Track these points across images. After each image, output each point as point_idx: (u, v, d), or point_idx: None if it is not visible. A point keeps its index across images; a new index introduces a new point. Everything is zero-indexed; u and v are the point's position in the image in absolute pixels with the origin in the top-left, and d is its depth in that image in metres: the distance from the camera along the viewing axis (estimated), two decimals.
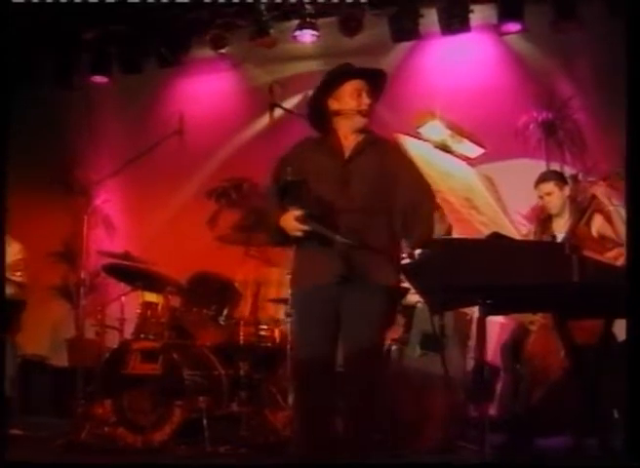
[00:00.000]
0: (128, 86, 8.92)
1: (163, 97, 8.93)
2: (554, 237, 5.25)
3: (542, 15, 7.59)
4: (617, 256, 4.46)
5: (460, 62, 8.00)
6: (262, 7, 8.06)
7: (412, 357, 5.69)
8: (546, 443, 5.11)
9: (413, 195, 3.85)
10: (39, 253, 8.01)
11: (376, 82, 4.03)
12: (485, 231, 3.23)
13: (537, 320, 5.19)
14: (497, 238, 3.17)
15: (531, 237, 5.38)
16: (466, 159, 3.73)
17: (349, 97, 3.95)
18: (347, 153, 3.96)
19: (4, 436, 5.13)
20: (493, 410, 5.60)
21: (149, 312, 5.97)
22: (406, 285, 4.33)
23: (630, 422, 2.82)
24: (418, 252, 3.44)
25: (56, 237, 8.84)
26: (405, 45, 8.22)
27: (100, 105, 9.18)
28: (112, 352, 5.85)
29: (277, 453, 5.06)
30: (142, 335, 5.87)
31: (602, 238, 5.00)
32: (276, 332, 6.11)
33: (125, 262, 6.22)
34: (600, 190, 4.51)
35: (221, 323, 5.98)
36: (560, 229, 5.25)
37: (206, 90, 8.82)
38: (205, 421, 5.32)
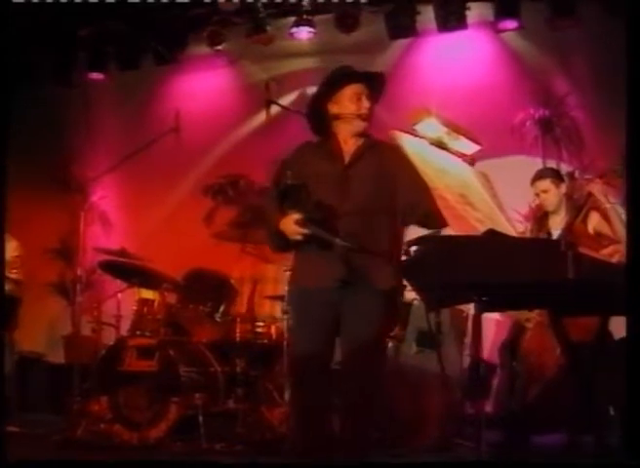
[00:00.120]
0: (124, 83, 8.92)
1: (159, 93, 8.92)
2: (550, 234, 5.26)
3: (539, 12, 7.59)
4: (612, 253, 4.46)
5: (457, 60, 8.00)
6: (259, 4, 8.05)
7: (408, 354, 5.70)
8: (542, 440, 5.11)
9: (411, 196, 3.85)
10: (35, 250, 8.02)
11: (375, 85, 4.02)
12: (481, 228, 3.22)
13: (533, 317, 5.19)
14: (492, 235, 3.17)
15: (527, 234, 5.38)
16: (463, 156, 3.72)
17: (349, 101, 3.94)
18: (347, 158, 3.96)
19: (3, 435, 5.12)
20: (489, 408, 5.60)
21: (145, 309, 5.97)
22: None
23: (629, 420, 2.81)
24: (413, 249, 3.44)
25: (52, 234, 8.83)
26: (401, 42, 8.21)
27: (96, 102, 9.17)
28: (108, 349, 5.86)
29: (273, 450, 5.05)
30: (139, 332, 5.87)
31: (598, 235, 5.00)
32: (272, 329, 6.11)
33: (121, 259, 6.22)
34: (596, 188, 4.51)
35: (218, 319, 5.97)
36: (556, 226, 5.26)
37: (202, 87, 8.81)
38: (201, 418, 5.33)
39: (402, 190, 3.85)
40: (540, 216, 5.45)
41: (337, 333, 3.91)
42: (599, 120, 7.35)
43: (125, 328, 6.09)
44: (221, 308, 5.99)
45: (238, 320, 5.94)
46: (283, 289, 5.66)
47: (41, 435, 5.77)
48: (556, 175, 5.45)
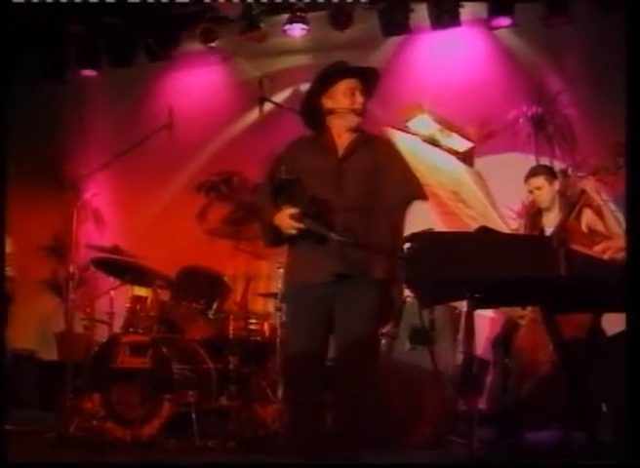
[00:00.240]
0: (117, 80, 8.90)
1: (152, 90, 8.92)
2: (544, 231, 5.26)
3: (533, 9, 7.60)
4: (604, 250, 4.46)
5: (451, 57, 8.01)
6: (253, 1, 8.05)
7: (401, 351, 5.70)
8: (535, 436, 5.12)
9: (403, 190, 3.85)
10: (28, 248, 7.99)
11: (369, 81, 4.04)
12: (473, 225, 3.23)
13: (526, 314, 5.19)
14: (485, 232, 3.17)
15: (521, 231, 5.39)
16: (455, 153, 3.73)
17: (343, 96, 3.96)
18: (341, 152, 3.97)
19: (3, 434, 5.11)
20: (482, 404, 5.60)
21: (138, 306, 5.96)
22: None
23: (629, 420, 2.81)
24: (406, 246, 3.44)
25: (45, 231, 8.82)
26: (395, 39, 8.21)
27: (89, 99, 9.17)
28: (101, 346, 5.85)
29: (266, 447, 5.05)
30: (132, 329, 5.86)
31: (591, 232, 5.01)
32: (266, 326, 6.10)
33: (114, 256, 6.21)
34: (589, 185, 4.51)
35: (211, 317, 5.97)
36: (550, 224, 5.26)
37: (196, 83, 8.81)
38: (194, 415, 5.31)
39: (395, 184, 3.86)
40: (534, 214, 5.46)
41: (331, 330, 3.92)
42: (592, 117, 7.37)
43: (118, 325, 6.08)
44: (215, 305, 5.98)
45: (231, 317, 5.93)
46: (276, 286, 5.67)
47: (34, 432, 5.75)
48: (550, 173, 5.45)
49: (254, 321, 6.09)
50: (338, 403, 3.92)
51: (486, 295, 3.38)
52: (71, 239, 6.27)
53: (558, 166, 6.85)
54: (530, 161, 7.06)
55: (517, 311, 5.26)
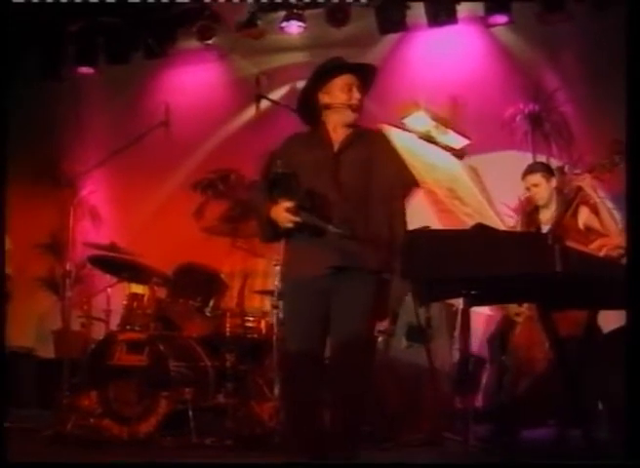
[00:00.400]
0: (114, 77, 8.89)
1: (149, 88, 8.91)
2: (540, 228, 5.27)
3: (529, 7, 7.60)
4: (600, 247, 4.47)
5: (447, 54, 8.00)
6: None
7: (398, 349, 5.71)
8: (531, 434, 5.12)
9: (399, 181, 3.85)
10: (25, 245, 7.99)
11: (366, 77, 4.04)
12: (469, 222, 3.23)
13: (522, 312, 5.20)
14: (481, 229, 3.17)
15: (517, 228, 5.39)
16: (451, 150, 3.73)
17: (340, 92, 3.96)
18: (336, 146, 3.97)
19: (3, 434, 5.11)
20: (478, 402, 5.61)
21: (135, 303, 5.96)
22: None
23: (629, 419, 2.81)
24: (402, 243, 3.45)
25: (42, 228, 8.80)
26: (392, 37, 8.21)
27: (86, 96, 9.16)
28: (98, 343, 5.85)
29: (263, 445, 5.05)
30: (128, 327, 5.86)
31: (588, 230, 5.02)
32: (262, 324, 6.11)
33: (111, 254, 6.21)
34: (586, 182, 4.52)
35: (208, 314, 5.98)
36: (547, 221, 5.26)
37: (192, 81, 8.80)
38: (191, 413, 5.32)
39: (391, 175, 3.86)
40: (531, 211, 5.46)
41: (329, 328, 3.91)
42: (588, 115, 7.37)
43: (115, 322, 6.08)
44: (211, 303, 5.99)
45: (228, 314, 5.94)
46: (273, 283, 5.67)
47: (31, 430, 5.75)
48: (547, 170, 5.46)
49: (250, 318, 6.10)
50: (335, 400, 3.92)
51: (482, 293, 3.38)
52: (68, 236, 6.24)
53: (555, 163, 6.85)
54: (527, 158, 7.06)
55: (513, 308, 5.27)
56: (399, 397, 5.51)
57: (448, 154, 3.71)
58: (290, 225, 3.80)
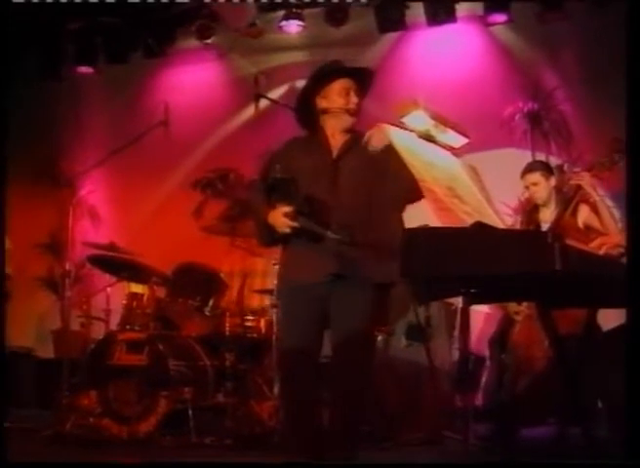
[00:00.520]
0: (113, 76, 8.90)
1: (148, 87, 8.91)
2: (540, 227, 5.26)
3: (528, 6, 7.60)
4: (599, 246, 4.47)
5: (446, 53, 8.01)
6: None
7: (397, 348, 5.71)
8: (531, 432, 5.12)
9: (399, 189, 3.84)
10: (24, 245, 7.98)
11: (364, 81, 4.03)
12: (469, 220, 3.22)
13: (522, 310, 5.20)
14: (480, 227, 3.17)
15: (517, 227, 5.39)
16: (451, 149, 3.72)
17: (337, 96, 3.95)
18: (335, 152, 3.96)
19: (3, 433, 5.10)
20: (478, 400, 5.61)
21: (135, 303, 5.97)
22: None
23: (628, 419, 2.80)
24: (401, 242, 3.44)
25: (41, 228, 8.80)
26: (391, 36, 8.21)
27: (85, 96, 9.16)
28: (98, 343, 5.85)
29: (263, 444, 5.05)
30: (128, 326, 5.87)
31: (587, 228, 5.01)
32: (262, 323, 6.11)
33: (110, 253, 6.21)
34: (585, 181, 4.52)
35: (207, 313, 5.98)
36: (546, 219, 5.26)
37: (191, 80, 8.80)
38: (190, 412, 5.32)
39: (390, 183, 3.85)
40: (530, 209, 5.46)
41: (325, 327, 3.91)
42: (587, 113, 7.38)
43: (114, 322, 6.08)
44: (211, 302, 5.99)
45: (227, 314, 5.94)
46: (272, 282, 5.66)
47: (30, 430, 5.75)
48: (546, 168, 5.45)
49: (250, 317, 6.10)
50: (334, 401, 3.92)
51: (481, 291, 3.37)
52: (67, 236, 6.24)
53: (554, 162, 6.86)
54: (526, 157, 7.07)
55: (513, 307, 5.26)
56: (399, 396, 5.51)
57: (447, 153, 3.71)
58: (287, 230, 3.79)
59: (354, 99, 3.95)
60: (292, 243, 3.92)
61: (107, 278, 6.42)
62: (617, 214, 4.81)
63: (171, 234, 8.06)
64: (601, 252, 4.33)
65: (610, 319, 4.43)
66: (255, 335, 6.06)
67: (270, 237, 3.93)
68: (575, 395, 3.96)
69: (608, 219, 4.79)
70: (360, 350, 3.86)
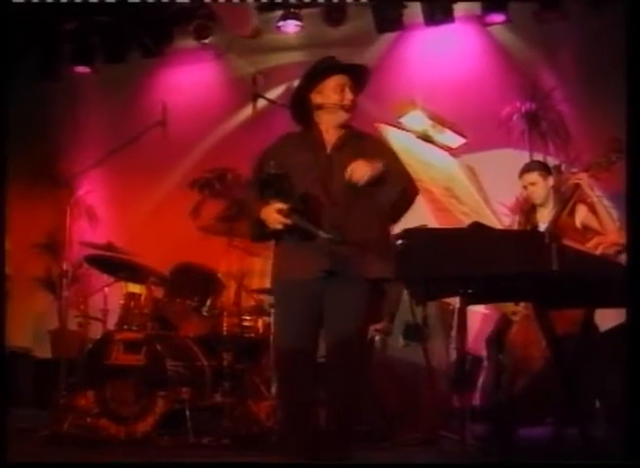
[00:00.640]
0: (111, 76, 8.89)
1: (146, 87, 8.90)
2: (538, 227, 5.26)
3: (526, 6, 7.60)
4: (596, 245, 4.47)
5: (444, 53, 8.00)
6: None
7: (395, 348, 5.70)
8: (528, 432, 5.12)
9: (395, 187, 3.84)
10: (22, 245, 7.99)
11: (359, 77, 4.04)
12: (466, 221, 3.24)
13: (519, 310, 5.20)
14: (477, 227, 3.18)
15: (515, 227, 5.39)
16: (448, 149, 3.73)
17: (332, 92, 3.96)
18: (329, 148, 3.97)
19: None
20: (475, 401, 5.61)
21: (132, 303, 5.96)
22: None
23: (628, 419, 2.80)
24: (399, 242, 3.44)
25: (39, 228, 8.79)
26: (389, 36, 8.21)
27: (82, 96, 9.15)
28: (95, 343, 5.84)
29: (260, 444, 5.05)
30: (125, 326, 5.86)
31: (585, 228, 5.02)
32: (259, 323, 6.11)
33: (108, 253, 6.20)
34: (583, 181, 4.52)
35: (205, 314, 5.98)
36: (544, 219, 5.26)
37: (189, 80, 8.79)
38: (188, 412, 5.31)
39: (384, 179, 3.84)
40: (528, 209, 5.46)
41: (321, 326, 3.91)
42: (585, 113, 7.37)
43: (112, 322, 6.07)
44: (208, 302, 5.99)
45: (225, 314, 5.92)
46: (269, 282, 5.66)
47: (28, 430, 5.74)
48: (544, 168, 5.46)
49: (247, 317, 6.10)
50: (330, 401, 3.93)
51: (479, 292, 3.38)
52: (65, 236, 6.24)
53: (552, 162, 6.85)
54: (524, 157, 7.06)
55: (510, 307, 5.26)
56: (396, 396, 5.51)
57: (445, 153, 3.72)
58: (279, 227, 3.79)
59: (349, 96, 3.96)
60: (284, 240, 3.92)
61: (105, 278, 6.41)
62: (614, 213, 4.81)
63: (168, 234, 8.05)
64: (598, 251, 4.34)
65: (607, 319, 4.44)
66: (252, 335, 6.06)
67: (261, 232, 3.93)
68: (572, 395, 3.96)
69: (606, 219, 4.80)
70: (354, 348, 3.87)
